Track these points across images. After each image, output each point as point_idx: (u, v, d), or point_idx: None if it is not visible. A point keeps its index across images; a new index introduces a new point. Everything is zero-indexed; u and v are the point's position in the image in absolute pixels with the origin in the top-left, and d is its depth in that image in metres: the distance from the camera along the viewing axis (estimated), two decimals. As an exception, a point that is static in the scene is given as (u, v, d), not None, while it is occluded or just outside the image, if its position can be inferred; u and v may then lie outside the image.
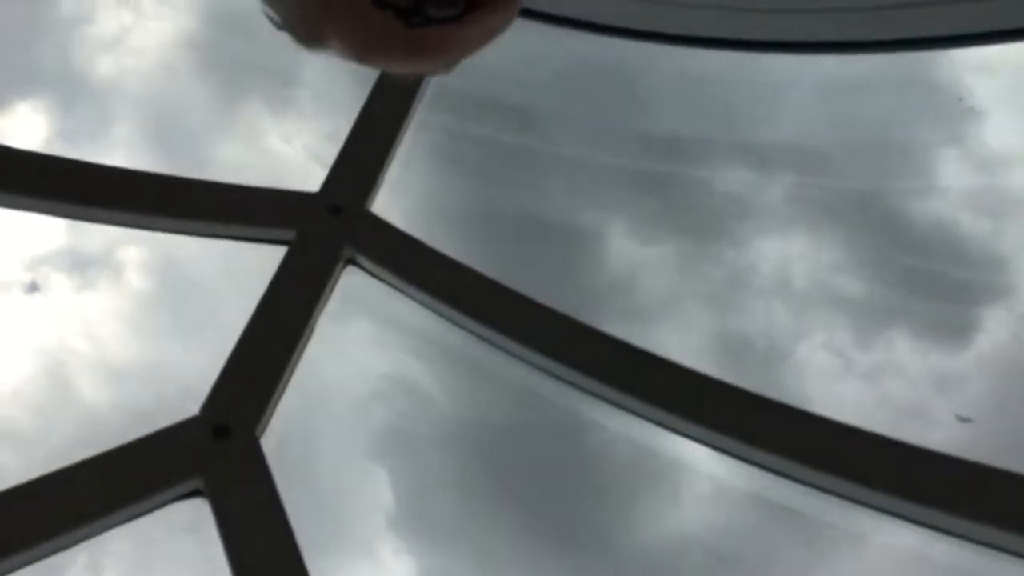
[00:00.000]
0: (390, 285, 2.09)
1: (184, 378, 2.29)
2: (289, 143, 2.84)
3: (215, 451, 1.72)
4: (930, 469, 1.55)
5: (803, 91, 2.77)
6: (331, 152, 2.71)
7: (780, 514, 1.83)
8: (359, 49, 0.72)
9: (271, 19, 0.74)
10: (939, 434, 2.11)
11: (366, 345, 2.23)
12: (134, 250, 2.45)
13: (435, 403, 2.28)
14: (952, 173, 2.54)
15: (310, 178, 2.68)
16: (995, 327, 2.26)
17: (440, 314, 2.03)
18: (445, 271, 2.08)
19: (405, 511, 2.15)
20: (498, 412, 2.21)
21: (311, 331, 1.96)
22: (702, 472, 1.94)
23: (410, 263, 2.10)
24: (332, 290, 2.04)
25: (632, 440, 1.96)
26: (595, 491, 2.09)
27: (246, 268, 2.28)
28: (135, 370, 2.33)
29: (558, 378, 1.92)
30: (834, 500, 1.65)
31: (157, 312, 2.46)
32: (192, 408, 2.17)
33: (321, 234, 2.14)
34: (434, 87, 2.46)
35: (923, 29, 2.45)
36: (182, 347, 2.37)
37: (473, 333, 1.99)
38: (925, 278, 2.39)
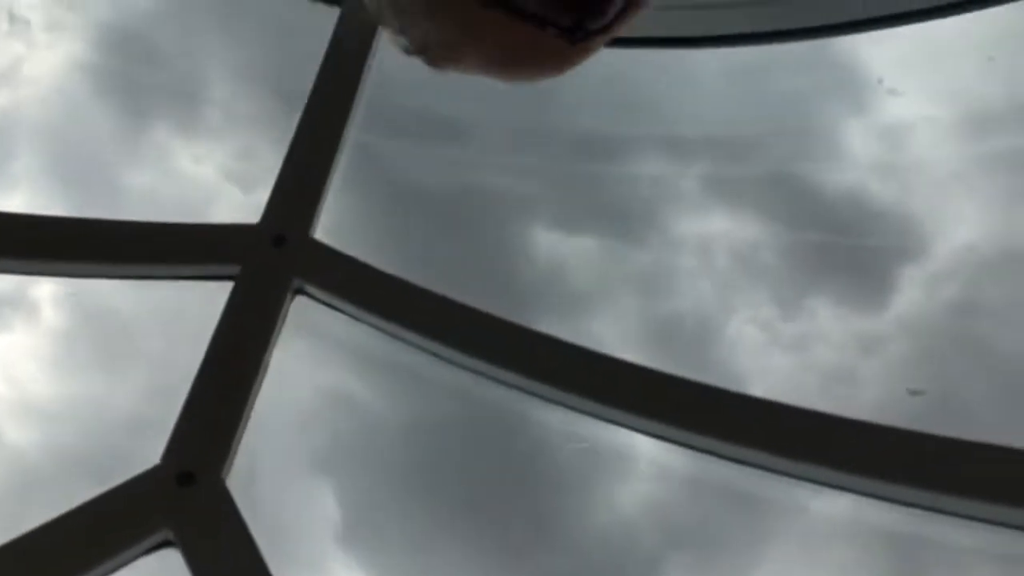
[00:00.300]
0: (339, 310, 2.07)
1: (112, 414, 2.24)
2: (201, 164, 2.79)
3: (181, 499, 1.68)
4: (859, 438, 1.60)
5: (712, 78, 2.83)
6: (246, 171, 2.68)
7: (722, 493, 1.88)
8: (506, 67, 0.73)
9: (400, 46, 0.74)
10: (867, 394, 2.19)
11: (306, 363, 2.21)
12: (48, 285, 2.38)
13: (380, 417, 2.28)
14: (857, 144, 2.63)
15: (227, 199, 2.65)
16: (910, 287, 2.35)
17: (389, 333, 2.02)
18: (393, 292, 2.06)
19: (353, 525, 2.15)
20: (442, 420, 2.22)
21: (266, 366, 1.92)
22: (644, 459, 1.97)
23: (359, 288, 2.07)
24: (283, 323, 2.00)
25: (573, 435, 1.99)
26: (541, 488, 2.12)
27: (165, 295, 2.24)
28: (60, 410, 2.27)
29: (499, 381, 1.93)
30: (772, 475, 1.70)
31: (78, 349, 2.40)
32: (123, 444, 2.13)
33: (267, 267, 2.09)
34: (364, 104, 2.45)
35: (822, 17, 2.52)
36: (107, 383, 2.32)
37: (420, 347, 1.99)
38: (841, 246, 2.47)
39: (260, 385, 1.89)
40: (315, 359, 2.22)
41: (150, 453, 2.12)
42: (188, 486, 1.69)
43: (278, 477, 2.13)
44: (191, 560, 1.60)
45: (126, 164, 2.74)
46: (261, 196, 2.31)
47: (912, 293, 2.33)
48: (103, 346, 2.38)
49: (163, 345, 2.28)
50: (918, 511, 1.53)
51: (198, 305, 2.15)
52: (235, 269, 2.07)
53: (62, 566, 1.58)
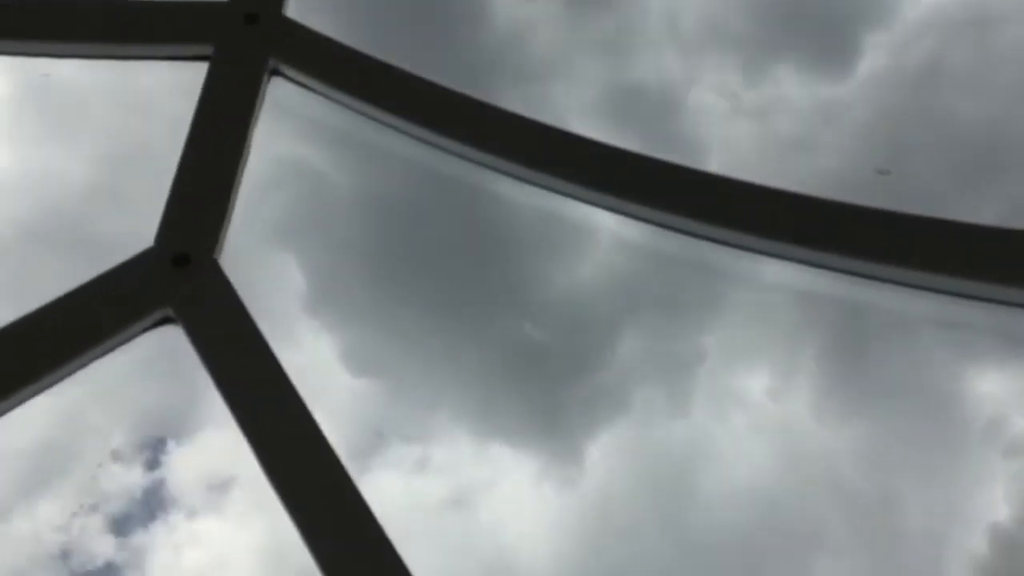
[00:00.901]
0: (314, 91, 2.03)
1: (67, 186, 2.22)
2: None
3: (178, 279, 1.74)
4: (811, 212, 1.64)
5: None
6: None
7: (678, 263, 1.93)
8: None
9: None
10: (826, 162, 2.21)
11: (274, 140, 2.18)
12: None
13: (346, 191, 2.28)
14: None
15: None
16: (875, 53, 2.31)
17: (359, 111, 2.00)
18: (364, 70, 2.01)
19: (319, 293, 2.20)
20: (408, 194, 2.22)
21: (248, 147, 1.93)
22: (604, 231, 2.01)
23: (333, 67, 2.02)
24: (262, 103, 1.99)
25: (534, 208, 2.00)
26: (503, 258, 2.16)
27: (116, 74, 2.16)
28: (13, 181, 2.25)
29: (465, 158, 1.93)
30: (725, 248, 1.74)
31: (24, 117, 2.33)
32: (84, 216, 2.14)
33: (242, 46, 2.04)
34: None
35: None
36: (57, 154, 2.28)
37: (389, 125, 1.98)
38: (807, 10, 2.40)
39: (244, 165, 1.91)
40: (284, 136, 2.19)
41: (113, 226, 2.12)
42: (183, 267, 1.75)
43: (248, 250, 2.14)
44: (193, 334, 1.69)
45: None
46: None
47: (877, 58, 2.30)
48: (57, 119, 2.32)
49: (122, 121, 2.23)
50: (866, 280, 1.59)
51: (155, 84, 2.09)
52: (208, 49, 2.03)
53: (70, 341, 1.66)
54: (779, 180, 1.76)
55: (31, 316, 1.68)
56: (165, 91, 2.19)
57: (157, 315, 1.73)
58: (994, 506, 1.71)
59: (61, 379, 1.66)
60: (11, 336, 1.66)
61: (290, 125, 2.14)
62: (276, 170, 2.18)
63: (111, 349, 1.70)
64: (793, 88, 2.34)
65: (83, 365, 1.67)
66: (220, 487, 1.95)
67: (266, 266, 2.18)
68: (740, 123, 2.34)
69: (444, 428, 2.06)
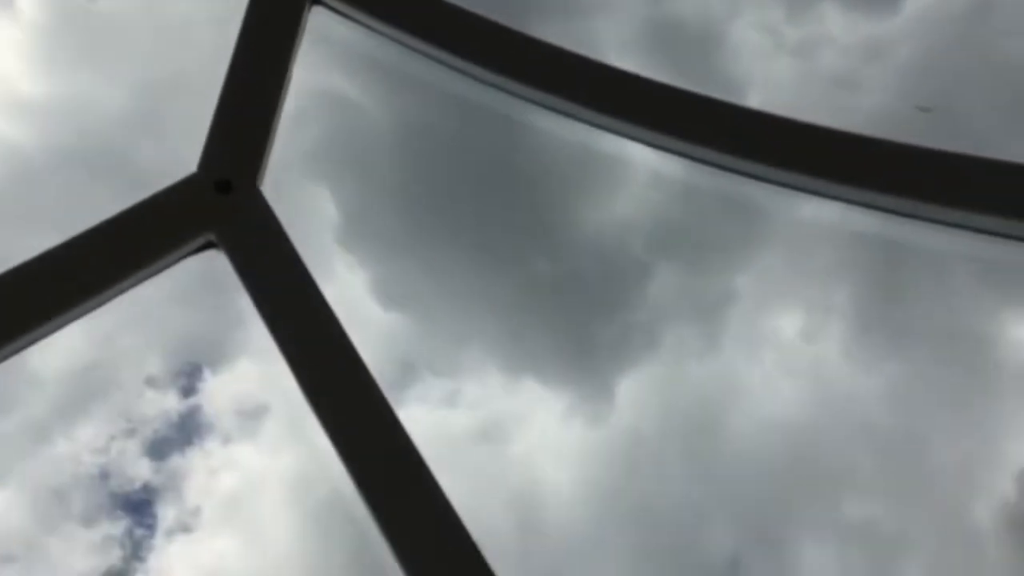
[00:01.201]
0: (353, 20, 2.03)
1: (102, 112, 2.23)
2: None
3: (221, 205, 1.77)
4: (846, 149, 1.61)
5: None
6: None
7: (715, 199, 1.91)
8: None
9: None
10: (869, 100, 2.17)
11: (310, 70, 2.17)
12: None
13: (380, 123, 2.27)
14: None
15: None
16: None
17: (398, 40, 1.98)
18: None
19: (352, 225, 2.21)
20: (441, 125, 2.20)
21: (289, 77, 1.94)
22: (639, 166, 1.99)
23: None
24: (303, 31, 2.00)
25: (568, 141, 1.99)
26: (538, 192, 2.15)
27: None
28: (52, 105, 2.26)
29: (505, 90, 1.92)
30: (763, 184, 1.72)
31: (60, 43, 2.34)
32: (117, 140, 2.16)
33: None
34: None
35: None
36: (92, 80, 2.28)
37: (425, 54, 1.97)
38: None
39: (286, 94, 1.92)
40: (320, 65, 2.17)
41: (148, 152, 2.14)
42: (226, 192, 1.78)
43: (283, 181, 2.15)
44: (235, 258, 1.72)
45: None
46: None
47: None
48: (82, 39, 2.32)
49: (156, 47, 2.23)
50: (904, 219, 1.56)
51: (190, 13, 2.08)
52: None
53: (113, 266, 1.69)
54: (820, 117, 1.73)
55: (73, 241, 1.70)
56: (201, 20, 2.18)
57: (200, 240, 1.75)
58: (1026, 451, 1.70)
59: (103, 303, 1.68)
60: (54, 260, 1.68)
61: (326, 54, 2.13)
62: (311, 100, 2.17)
63: (154, 274, 1.73)
64: (837, 26, 2.29)
65: (125, 290, 1.70)
66: (254, 414, 1.99)
67: (300, 197, 2.19)
68: (782, 60, 2.29)
69: (475, 363, 2.08)
